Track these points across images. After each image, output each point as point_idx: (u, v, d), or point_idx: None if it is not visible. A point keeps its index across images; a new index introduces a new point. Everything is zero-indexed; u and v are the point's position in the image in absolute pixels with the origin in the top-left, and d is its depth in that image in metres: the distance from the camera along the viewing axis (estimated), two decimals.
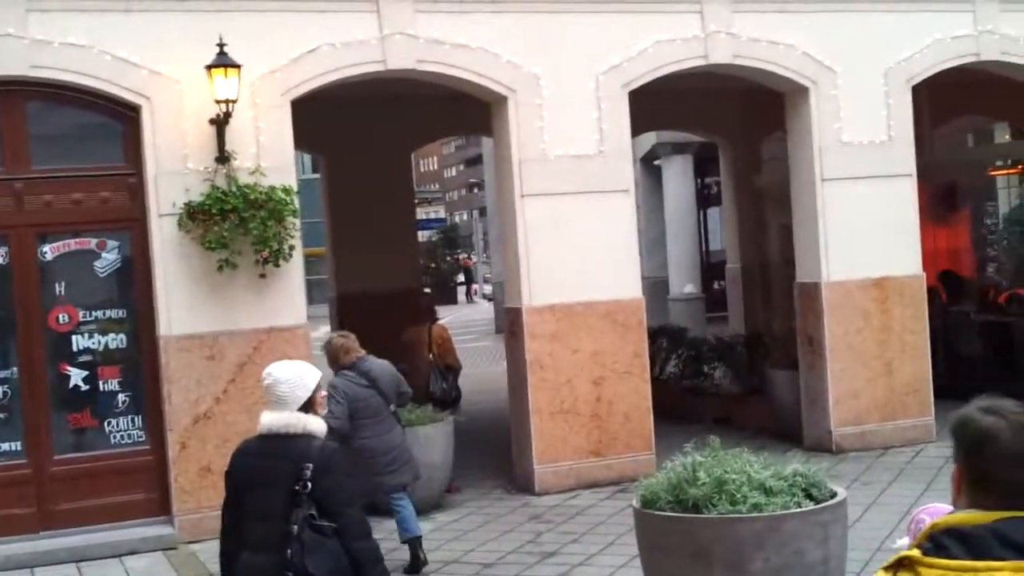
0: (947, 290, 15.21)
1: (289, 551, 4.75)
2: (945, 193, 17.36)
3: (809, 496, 6.15)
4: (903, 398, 12.22)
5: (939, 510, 3.77)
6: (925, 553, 2.39)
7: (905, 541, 3.88)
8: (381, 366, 8.95)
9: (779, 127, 13.01)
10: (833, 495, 6.26)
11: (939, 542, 2.40)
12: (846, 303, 12.04)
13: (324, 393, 5.14)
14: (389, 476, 8.80)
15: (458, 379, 12.13)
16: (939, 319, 13.72)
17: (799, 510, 6.00)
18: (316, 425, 5.00)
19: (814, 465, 6.51)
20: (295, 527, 4.77)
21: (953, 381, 12.91)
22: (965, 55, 12.58)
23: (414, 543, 8.74)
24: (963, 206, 18.30)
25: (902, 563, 2.41)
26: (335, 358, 8.91)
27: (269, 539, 4.83)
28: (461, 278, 57.30)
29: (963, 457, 2.50)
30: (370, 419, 8.78)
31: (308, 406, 5.00)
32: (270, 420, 4.98)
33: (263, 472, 4.91)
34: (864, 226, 12.04)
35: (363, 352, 8.93)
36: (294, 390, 4.97)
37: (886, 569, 2.45)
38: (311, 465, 4.81)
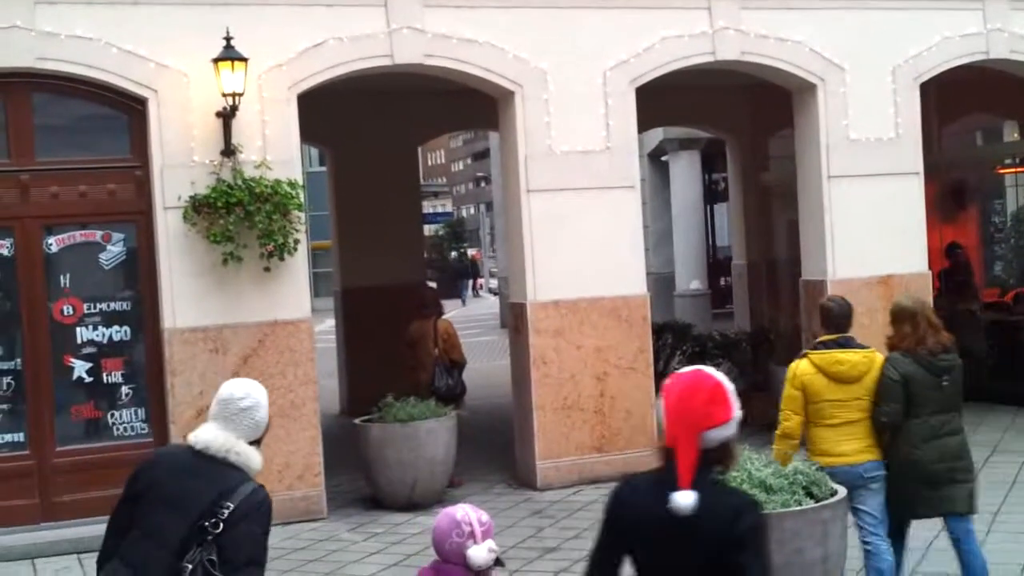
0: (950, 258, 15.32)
1: None
2: (953, 191, 17.28)
3: (810, 494, 6.14)
4: None
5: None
6: (812, 350, 6.76)
7: None
8: None
9: (787, 124, 12.98)
10: (833, 493, 6.26)
11: (815, 346, 6.77)
12: (851, 300, 11.93)
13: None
14: None
15: (463, 374, 12.10)
16: (945, 317, 13.65)
17: (799, 508, 5.99)
18: (257, 463, 4.31)
19: (815, 463, 6.50)
20: (189, 566, 4.05)
21: None
22: (974, 53, 12.55)
23: None
24: (971, 204, 18.23)
25: (804, 355, 6.74)
26: None
27: (151, 567, 4.12)
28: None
29: (823, 316, 6.92)
30: None
31: (258, 443, 4.35)
32: (211, 438, 4.26)
33: (180, 489, 4.18)
34: (870, 224, 12.02)
35: None
36: (261, 418, 4.34)
37: (799, 358, 6.74)
38: (231, 506, 4.10)
